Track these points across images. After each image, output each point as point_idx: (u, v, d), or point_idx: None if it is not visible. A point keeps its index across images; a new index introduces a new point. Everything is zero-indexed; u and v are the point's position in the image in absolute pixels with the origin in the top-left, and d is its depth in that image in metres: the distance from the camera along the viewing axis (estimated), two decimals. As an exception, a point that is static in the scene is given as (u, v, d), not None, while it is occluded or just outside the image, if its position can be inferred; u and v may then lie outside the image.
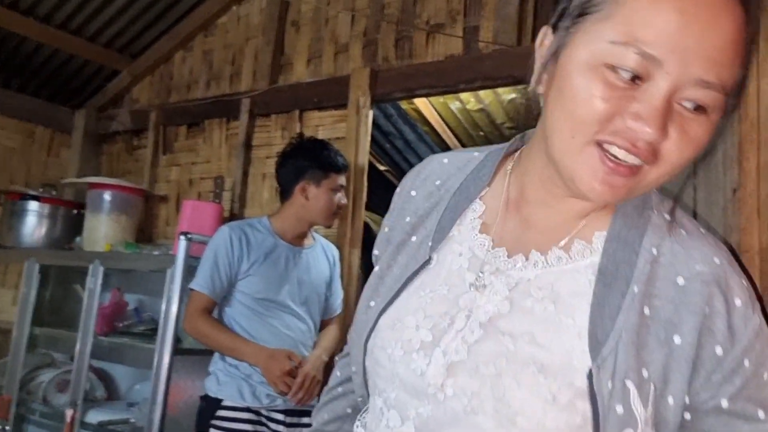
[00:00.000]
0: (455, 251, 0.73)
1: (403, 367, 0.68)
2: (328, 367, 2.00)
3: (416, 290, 0.72)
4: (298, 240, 2.26)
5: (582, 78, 0.59)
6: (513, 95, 3.42)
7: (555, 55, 0.64)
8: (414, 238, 0.76)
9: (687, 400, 0.62)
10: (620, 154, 0.59)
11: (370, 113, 2.85)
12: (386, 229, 0.83)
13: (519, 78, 2.48)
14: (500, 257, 0.70)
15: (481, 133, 3.74)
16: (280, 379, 1.99)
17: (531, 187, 0.72)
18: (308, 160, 2.21)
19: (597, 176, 0.60)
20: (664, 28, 0.56)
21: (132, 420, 2.63)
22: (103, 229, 3.01)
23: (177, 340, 2.43)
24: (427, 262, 0.73)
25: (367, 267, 2.70)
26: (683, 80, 0.57)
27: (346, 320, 2.59)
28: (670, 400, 0.61)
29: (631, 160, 0.59)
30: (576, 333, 0.63)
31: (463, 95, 3.37)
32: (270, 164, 3.08)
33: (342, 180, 2.25)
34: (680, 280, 0.63)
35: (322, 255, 2.34)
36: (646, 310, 0.62)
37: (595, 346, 0.61)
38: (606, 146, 0.59)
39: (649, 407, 0.60)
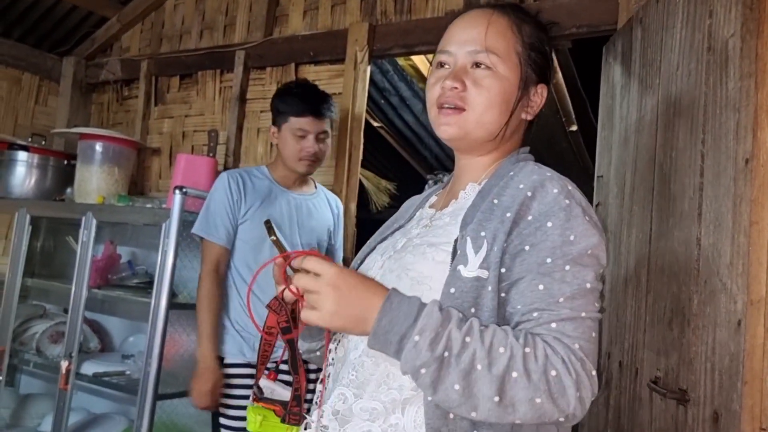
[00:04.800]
0: None
1: None
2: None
3: None
4: (296, 186, 2.26)
5: None
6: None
7: None
8: None
9: (504, 249, 0.90)
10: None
11: (368, 69, 2.80)
12: None
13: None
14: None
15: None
16: (199, 393, 2.04)
17: None
18: (277, 104, 2.22)
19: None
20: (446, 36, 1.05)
21: (128, 372, 2.65)
22: (95, 181, 2.97)
23: (173, 294, 2.44)
24: None
25: (360, 224, 2.70)
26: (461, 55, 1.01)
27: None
28: (495, 248, 0.89)
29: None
30: (457, 226, 0.97)
31: (461, 52, 3.32)
32: (264, 118, 3.03)
33: (305, 124, 2.14)
34: (521, 186, 0.93)
35: (325, 204, 2.35)
36: (495, 201, 0.94)
37: (464, 226, 0.95)
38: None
39: (481, 253, 0.89)
